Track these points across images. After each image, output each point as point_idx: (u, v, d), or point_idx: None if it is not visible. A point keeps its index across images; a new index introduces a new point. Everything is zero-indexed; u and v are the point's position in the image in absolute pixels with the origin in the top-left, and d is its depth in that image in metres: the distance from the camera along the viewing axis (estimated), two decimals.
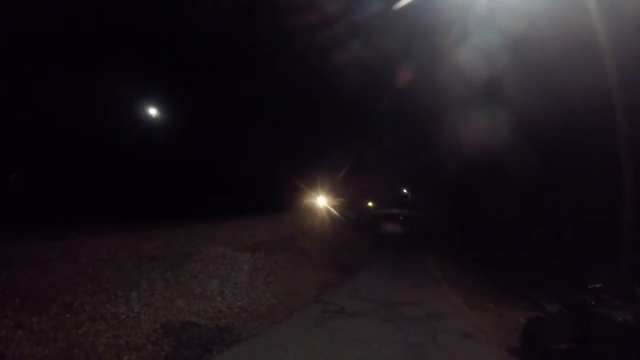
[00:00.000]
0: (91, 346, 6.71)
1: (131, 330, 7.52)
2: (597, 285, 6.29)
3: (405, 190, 69.51)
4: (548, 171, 18.48)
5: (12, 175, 22.02)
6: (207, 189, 32.07)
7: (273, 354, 7.36)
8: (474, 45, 16.20)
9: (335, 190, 32.14)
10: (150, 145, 26.13)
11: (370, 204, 64.83)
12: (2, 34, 15.33)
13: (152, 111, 26.50)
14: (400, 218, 62.77)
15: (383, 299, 11.93)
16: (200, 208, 26.65)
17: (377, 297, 12.18)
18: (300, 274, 14.25)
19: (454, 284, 15.32)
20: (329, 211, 29.47)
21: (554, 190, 18.25)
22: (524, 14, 12.79)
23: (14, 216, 15.84)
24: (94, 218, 16.96)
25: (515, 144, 19.65)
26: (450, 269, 19.11)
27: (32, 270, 8.12)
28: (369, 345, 7.91)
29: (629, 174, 8.57)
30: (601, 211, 14.69)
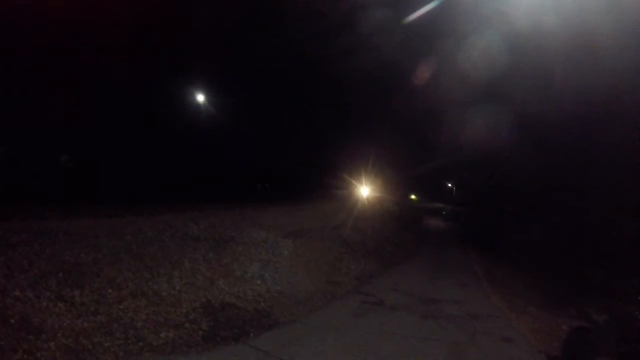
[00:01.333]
0: (130, 321, 6.85)
1: (171, 308, 7.63)
2: None
3: (449, 185, 68.44)
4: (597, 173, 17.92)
5: (63, 157, 22.80)
6: (253, 176, 32.46)
7: (309, 341, 7.34)
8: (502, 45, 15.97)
9: (378, 182, 31.92)
10: (200, 133, 26.64)
11: (413, 196, 64.24)
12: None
13: (201, 98, 27.01)
14: (443, 213, 61.63)
15: (423, 295, 11.77)
16: (246, 193, 26.97)
17: (417, 292, 12.03)
18: (340, 263, 14.19)
19: (496, 284, 15.00)
20: (371, 202, 29.31)
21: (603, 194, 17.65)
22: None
23: (66, 195, 16.38)
24: (142, 199, 17.37)
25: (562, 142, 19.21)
26: (492, 269, 18.67)
27: (78, 245, 8.32)
28: (406, 340, 7.80)
29: None
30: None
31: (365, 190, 30.69)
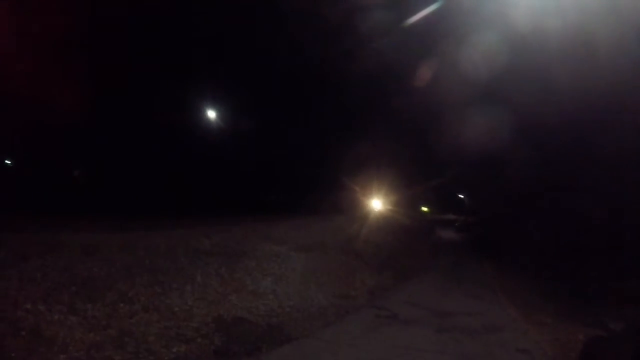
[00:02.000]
0: (142, 335, 6.81)
1: (183, 323, 7.60)
2: None
3: (461, 196, 67.97)
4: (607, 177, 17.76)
5: (76, 171, 23.08)
6: (264, 189, 32.52)
7: (323, 357, 7.24)
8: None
9: (389, 194, 31.82)
10: (208, 145, 26.78)
11: (424, 208, 63.88)
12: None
13: (211, 113, 27.12)
14: (456, 224, 61.15)
15: (437, 308, 11.62)
16: (257, 206, 27.00)
17: (431, 305, 11.87)
18: (353, 277, 14.10)
19: (511, 295, 14.82)
20: (383, 215, 29.19)
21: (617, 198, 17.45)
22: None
23: (78, 208, 16.51)
24: (153, 211, 17.46)
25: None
26: (507, 280, 18.48)
27: (91, 259, 8.35)
28: (421, 354, 7.68)
29: None
30: None
31: (377, 202, 30.59)
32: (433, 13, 13.94)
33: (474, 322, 10.41)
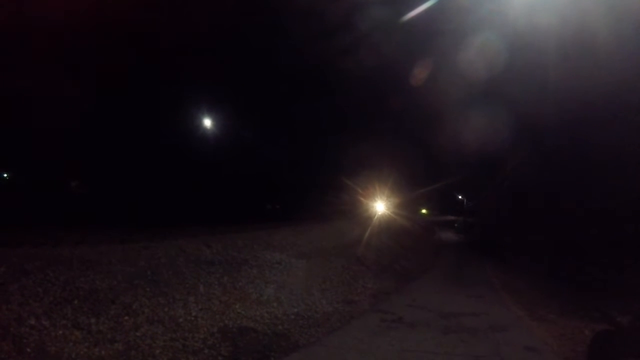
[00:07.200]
0: (148, 348, 6.74)
1: (188, 334, 7.53)
2: None
3: (460, 197, 68.04)
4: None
5: (73, 182, 23.01)
6: (263, 197, 32.46)
7: None
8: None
9: (389, 198, 31.86)
10: (209, 154, 26.74)
11: (423, 211, 63.95)
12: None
13: (211, 123, 27.15)
14: (455, 225, 61.29)
15: (442, 309, 11.56)
16: (256, 214, 26.94)
17: (435, 307, 11.81)
18: (356, 282, 14.07)
19: (514, 294, 14.86)
20: (383, 219, 29.18)
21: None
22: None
23: (77, 220, 16.41)
24: (153, 221, 17.38)
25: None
26: (510, 279, 18.52)
27: (93, 272, 8.26)
28: (429, 357, 7.63)
29: None
30: None
31: (377, 206, 30.62)
32: (431, 12, 13.96)
33: (480, 321, 10.37)
